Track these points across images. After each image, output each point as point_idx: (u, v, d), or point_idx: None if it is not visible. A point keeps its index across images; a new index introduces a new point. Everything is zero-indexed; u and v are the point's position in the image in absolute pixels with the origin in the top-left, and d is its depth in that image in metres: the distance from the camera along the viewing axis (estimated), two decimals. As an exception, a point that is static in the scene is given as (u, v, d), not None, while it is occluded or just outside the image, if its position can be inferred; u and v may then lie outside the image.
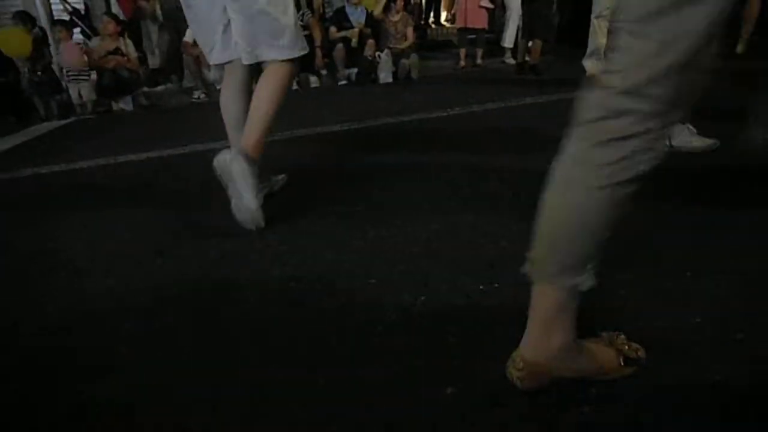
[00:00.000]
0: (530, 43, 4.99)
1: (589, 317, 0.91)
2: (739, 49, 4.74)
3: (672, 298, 1.12)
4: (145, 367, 1.05)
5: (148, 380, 1.01)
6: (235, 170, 1.67)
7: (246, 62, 1.79)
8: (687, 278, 1.19)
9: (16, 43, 5.57)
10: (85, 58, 5.81)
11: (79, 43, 6.01)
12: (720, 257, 1.26)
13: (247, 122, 1.78)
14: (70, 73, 5.87)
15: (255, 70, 1.89)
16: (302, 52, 1.82)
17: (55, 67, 6.01)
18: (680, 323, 1.03)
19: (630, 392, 0.86)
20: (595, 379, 0.88)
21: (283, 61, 1.77)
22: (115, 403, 0.95)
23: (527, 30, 4.94)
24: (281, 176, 2.11)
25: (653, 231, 1.40)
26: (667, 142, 2.01)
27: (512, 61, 6.05)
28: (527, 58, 5.01)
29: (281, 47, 1.75)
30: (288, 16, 1.75)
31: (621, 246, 1.01)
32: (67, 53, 5.74)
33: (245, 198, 1.66)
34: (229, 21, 1.74)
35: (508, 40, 6.54)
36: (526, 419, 0.83)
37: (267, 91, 1.79)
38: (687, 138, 2.04)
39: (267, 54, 1.76)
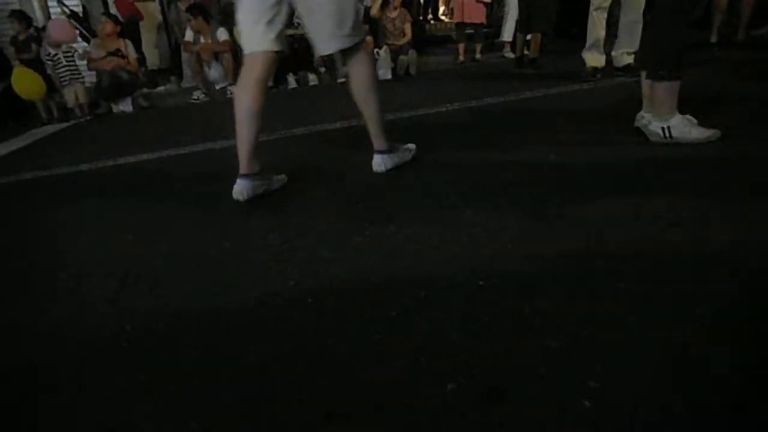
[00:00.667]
0: (528, 37, 4.97)
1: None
2: (740, 36, 4.73)
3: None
4: (146, 367, 1.05)
5: (149, 380, 1.01)
6: (385, 166, 2.07)
7: (322, 53, 1.96)
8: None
9: (29, 84, 5.58)
10: (76, 32, 5.79)
11: (69, 20, 5.97)
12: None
13: (369, 127, 2.06)
14: (62, 78, 5.88)
15: (273, 68, 1.98)
16: (361, 37, 1.95)
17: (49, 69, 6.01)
18: (681, 317, 1.02)
19: (632, 386, 0.86)
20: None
21: (357, 48, 1.92)
22: (114, 407, 0.96)
23: (525, 23, 4.92)
24: (281, 176, 2.14)
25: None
26: (667, 134, 2.02)
27: (511, 55, 6.03)
28: (526, 52, 4.99)
29: (344, 37, 1.87)
30: (349, 5, 1.86)
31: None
32: (56, 29, 5.71)
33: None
34: (274, 15, 1.85)
35: (507, 34, 6.52)
36: (527, 416, 0.83)
37: (363, 91, 2.00)
38: (687, 129, 2.03)
39: (334, 45, 1.89)
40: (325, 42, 1.90)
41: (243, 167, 1.96)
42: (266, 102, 1.97)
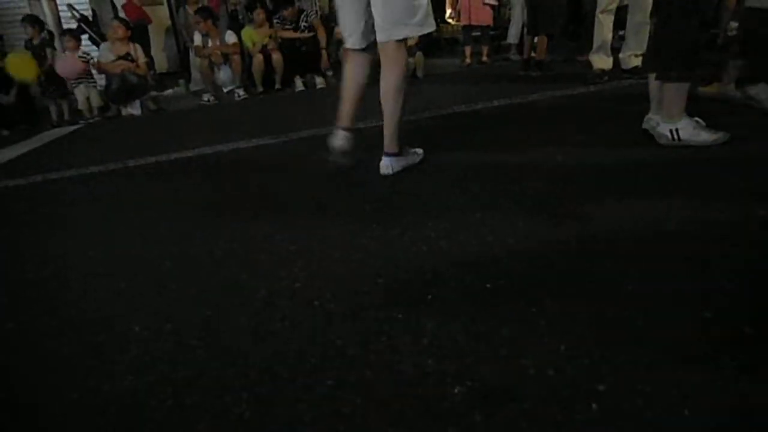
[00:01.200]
0: (536, 39, 4.96)
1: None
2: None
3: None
4: (155, 367, 1.06)
5: (157, 380, 1.02)
6: (393, 168, 2.13)
7: (381, 41, 2.03)
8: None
9: (24, 66, 5.65)
10: (90, 67, 5.87)
11: (85, 55, 6.04)
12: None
13: (385, 127, 2.13)
14: (75, 81, 5.93)
15: (373, 60, 2.17)
16: (430, 29, 2.06)
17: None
18: (689, 318, 1.02)
19: (639, 389, 0.86)
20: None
21: (399, 42, 2.02)
22: (124, 403, 0.96)
23: (532, 25, 4.90)
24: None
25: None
26: (676, 136, 2.01)
27: (518, 58, 6.02)
28: (533, 55, 4.98)
29: (414, 25, 1.99)
30: None
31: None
32: (62, 64, 5.79)
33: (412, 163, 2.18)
34: (371, 15, 2.02)
35: (513, 37, 6.51)
36: (535, 418, 0.83)
37: (390, 92, 2.08)
38: (695, 131, 2.02)
39: (402, 32, 1.99)
40: (395, 28, 1.99)
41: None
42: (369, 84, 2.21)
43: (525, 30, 5.38)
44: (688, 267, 1.20)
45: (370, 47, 2.13)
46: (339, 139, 2.20)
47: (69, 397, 1.00)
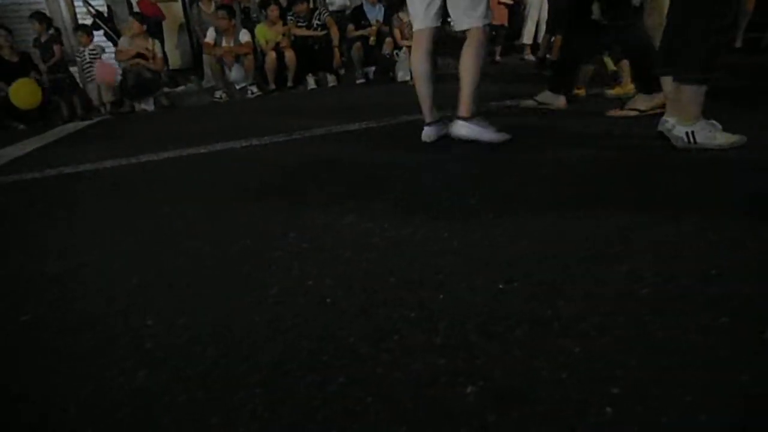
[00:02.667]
0: (552, 39, 4.94)
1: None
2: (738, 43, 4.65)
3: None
4: (168, 362, 1.07)
5: (170, 375, 1.02)
6: (465, 133, 2.45)
7: (456, 29, 2.49)
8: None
9: (27, 94, 5.68)
10: (118, 76, 5.93)
11: (96, 48, 6.10)
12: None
13: (461, 91, 2.48)
14: (88, 76, 5.99)
15: (436, 40, 2.57)
16: (488, 21, 2.44)
17: (76, 71, 6.14)
18: (706, 323, 1.00)
19: (655, 394, 0.85)
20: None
21: (478, 27, 2.41)
22: (137, 397, 0.97)
23: (553, 25, 4.88)
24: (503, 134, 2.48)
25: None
26: (692, 138, 1.99)
27: (532, 58, 6.00)
28: (548, 55, 4.95)
29: (477, 17, 2.38)
30: None
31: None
32: (100, 73, 5.85)
33: (491, 137, 2.43)
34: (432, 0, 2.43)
35: (527, 36, 6.48)
36: (547, 420, 0.82)
37: (469, 61, 2.47)
38: (712, 134, 1.99)
39: (467, 22, 2.40)
40: (460, 18, 2.41)
41: (427, 117, 2.61)
42: (434, 66, 2.60)
43: (541, 28, 5.35)
44: (705, 270, 1.18)
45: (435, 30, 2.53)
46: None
47: (83, 390, 1.01)
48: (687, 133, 2.02)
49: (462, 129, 2.45)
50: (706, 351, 0.93)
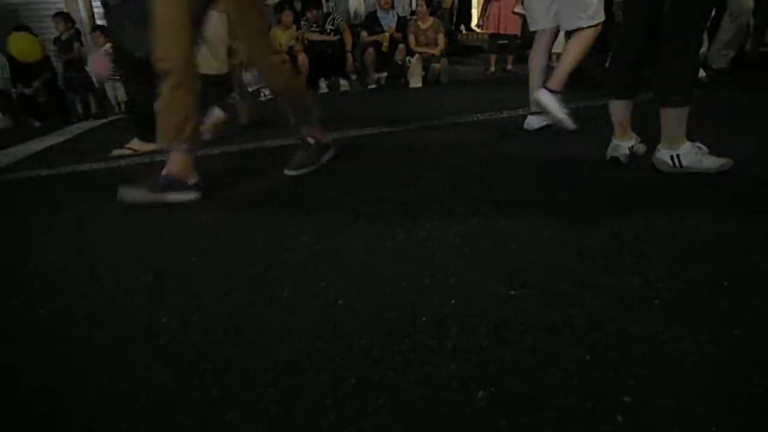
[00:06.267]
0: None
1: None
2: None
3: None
4: (182, 358, 1.08)
5: (185, 371, 1.04)
6: (545, 101, 2.65)
7: (565, 29, 2.78)
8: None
9: (26, 46, 5.73)
10: (111, 65, 5.98)
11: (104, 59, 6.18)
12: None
13: (557, 66, 2.73)
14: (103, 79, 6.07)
15: (555, 39, 2.92)
16: (599, 20, 2.64)
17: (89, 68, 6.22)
18: (718, 334, 1.01)
19: (666, 403, 0.85)
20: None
21: (587, 27, 2.63)
22: (153, 394, 0.99)
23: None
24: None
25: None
26: (677, 162, 1.91)
27: (544, 67, 6.00)
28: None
29: (586, 18, 2.61)
30: None
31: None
32: (94, 63, 5.91)
33: (562, 117, 2.65)
34: (552, 2, 2.71)
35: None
36: (559, 426, 0.83)
37: (574, 47, 2.70)
38: (698, 157, 1.91)
39: (577, 23, 2.64)
40: (569, 19, 2.65)
41: (533, 107, 2.86)
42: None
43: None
44: (717, 283, 1.19)
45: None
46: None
47: (99, 383, 1.03)
48: (672, 157, 1.92)
49: (543, 95, 2.64)
50: (718, 362, 0.93)
